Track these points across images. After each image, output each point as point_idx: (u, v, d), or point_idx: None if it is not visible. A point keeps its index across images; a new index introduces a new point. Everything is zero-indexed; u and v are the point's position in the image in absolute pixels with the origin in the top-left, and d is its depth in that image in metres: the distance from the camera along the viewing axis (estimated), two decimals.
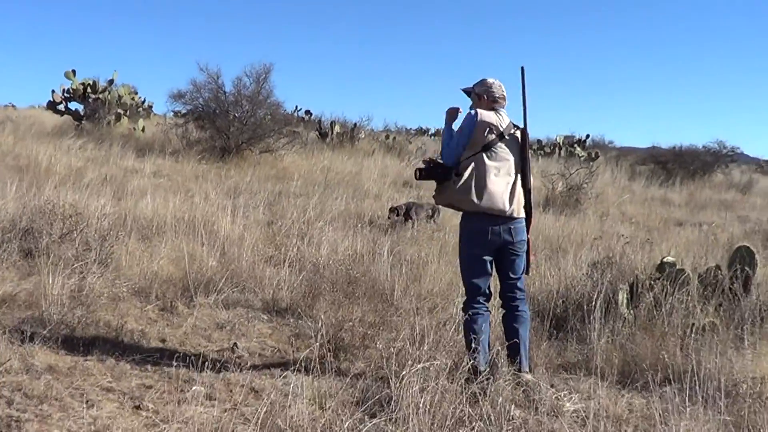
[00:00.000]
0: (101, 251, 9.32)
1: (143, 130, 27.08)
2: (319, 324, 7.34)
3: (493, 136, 6.58)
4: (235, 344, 7.40)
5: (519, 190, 6.67)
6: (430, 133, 61.21)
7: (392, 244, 10.80)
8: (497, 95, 6.84)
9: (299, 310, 8.56)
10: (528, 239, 6.82)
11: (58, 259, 8.54)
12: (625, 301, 8.29)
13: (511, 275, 6.79)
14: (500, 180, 6.56)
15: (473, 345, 6.41)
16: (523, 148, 6.74)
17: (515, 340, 6.63)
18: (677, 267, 8.61)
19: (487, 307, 6.78)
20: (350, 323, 7.44)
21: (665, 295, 8.07)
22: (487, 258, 6.69)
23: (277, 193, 16.95)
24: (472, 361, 6.28)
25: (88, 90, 27.26)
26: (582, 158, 35.55)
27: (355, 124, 32.40)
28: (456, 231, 12.13)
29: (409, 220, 14.34)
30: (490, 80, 6.87)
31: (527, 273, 6.99)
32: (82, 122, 26.43)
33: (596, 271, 9.08)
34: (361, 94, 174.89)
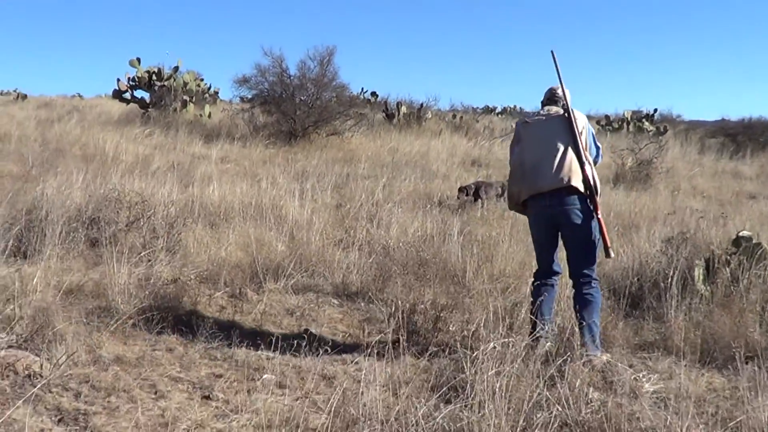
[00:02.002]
0: (168, 239, 9.25)
1: (210, 116, 27.11)
2: (392, 308, 7.19)
3: None
4: (306, 330, 7.25)
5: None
6: (496, 111, 60.78)
7: (462, 224, 10.60)
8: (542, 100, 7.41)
9: (370, 293, 8.38)
10: (599, 220, 6.77)
11: (125, 247, 8.48)
12: (701, 277, 8.02)
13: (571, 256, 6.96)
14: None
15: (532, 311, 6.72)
16: (570, 128, 6.88)
17: (580, 322, 6.68)
18: (753, 241, 8.31)
19: (550, 282, 6.99)
20: (422, 306, 7.29)
21: (742, 271, 7.83)
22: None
23: (345, 175, 16.81)
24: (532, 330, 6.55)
25: (154, 77, 27.31)
26: (651, 133, 34.97)
27: (421, 105, 32.08)
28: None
29: (479, 200, 14.14)
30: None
31: (607, 256, 6.86)
32: (149, 110, 26.49)
33: (671, 247, 8.81)
34: (426, 74, 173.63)
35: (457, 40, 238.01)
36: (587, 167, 6.75)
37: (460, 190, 14.33)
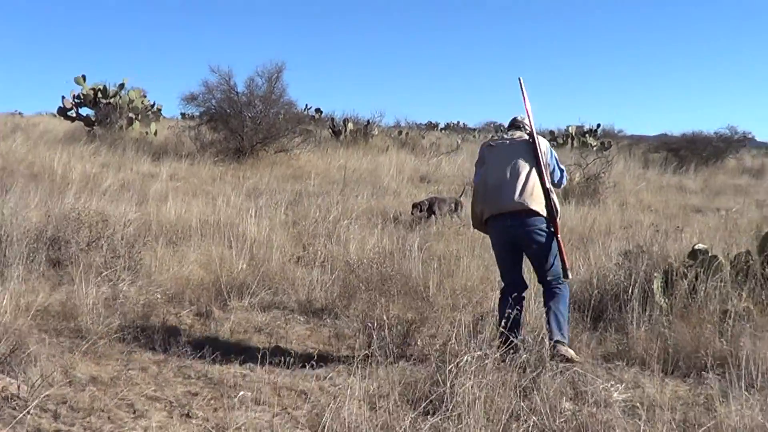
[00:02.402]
0: (129, 258, 9.23)
1: (155, 133, 26.99)
2: (359, 323, 7.29)
3: None
4: (276, 347, 7.27)
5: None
6: (440, 127, 61.24)
7: (420, 240, 10.65)
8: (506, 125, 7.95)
9: (336, 310, 8.49)
10: (559, 241, 7.15)
11: (87, 267, 8.43)
12: (660, 289, 8.18)
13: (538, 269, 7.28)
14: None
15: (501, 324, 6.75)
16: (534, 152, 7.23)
17: (547, 312, 7.05)
18: (710, 254, 8.49)
19: (517, 296, 7.04)
20: (390, 321, 7.35)
21: (699, 282, 8.01)
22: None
23: (296, 192, 16.81)
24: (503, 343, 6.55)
25: (99, 95, 27.08)
26: (595, 148, 35.49)
27: (368, 121, 32.23)
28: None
29: (432, 216, 14.23)
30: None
31: (565, 276, 7.23)
32: (94, 127, 26.24)
33: (628, 260, 8.98)
34: (368, 91, 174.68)
35: (399, 57, 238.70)
36: (549, 191, 7.08)
37: (414, 206, 14.41)
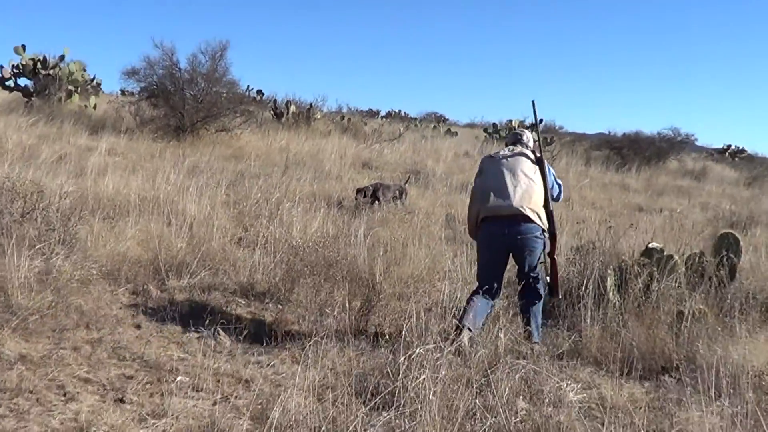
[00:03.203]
0: (65, 231, 8.82)
1: (95, 107, 26.39)
2: (303, 309, 7.05)
3: None
4: (216, 330, 6.95)
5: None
6: (381, 115, 61.07)
7: (365, 226, 10.41)
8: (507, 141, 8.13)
9: (278, 294, 8.20)
10: (554, 261, 7.42)
11: (20, 239, 8.05)
12: (613, 287, 8.03)
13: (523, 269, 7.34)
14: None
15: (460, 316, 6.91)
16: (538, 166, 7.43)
17: (525, 311, 7.24)
18: (665, 253, 8.37)
19: (488, 299, 7.20)
20: (334, 308, 7.14)
21: (653, 281, 7.90)
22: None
23: (237, 173, 16.44)
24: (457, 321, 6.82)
25: (38, 66, 26.40)
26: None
27: (310, 105, 31.81)
28: (424, 213, 11.93)
29: (376, 202, 13.99)
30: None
31: (555, 296, 7.56)
32: (32, 98, 25.58)
33: (579, 255, 8.83)
34: (310, 75, 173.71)
35: (342, 42, 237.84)
36: (551, 212, 7.30)
37: (358, 191, 14.15)
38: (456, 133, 43.10)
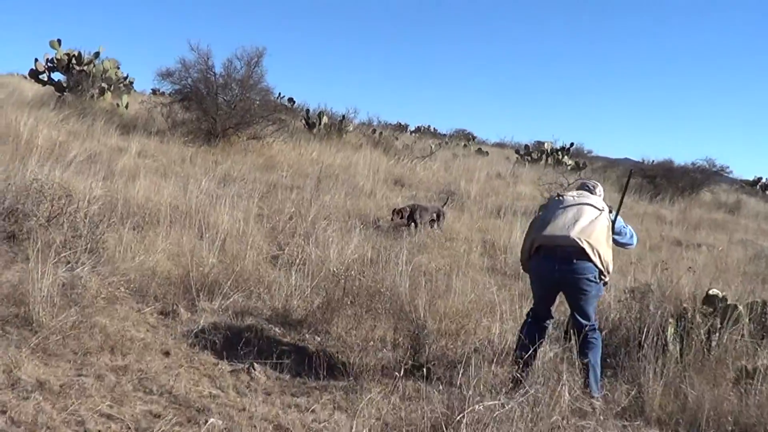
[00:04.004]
0: (92, 239, 8.34)
1: (127, 106, 25.98)
2: (340, 343, 6.60)
3: None
4: (252, 365, 6.41)
5: None
6: (409, 129, 60.67)
7: (405, 252, 9.91)
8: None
9: (316, 324, 7.64)
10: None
11: (45, 245, 7.56)
12: (674, 337, 7.45)
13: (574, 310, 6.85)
14: None
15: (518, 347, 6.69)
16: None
17: (584, 364, 6.62)
18: (727, 302, 7.80)
19: (543, 324, 6.93)
20: (374, 343, 6.65)
21: (714, 332, 7.41)
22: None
23: (268, 183, 16.00)
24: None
25: (73, 61, 26.00)
26: (569, 167, 34.98)
27: (343, 116, 31.35)
28: (470, 242, 11.40)
29: (413, 224, 13.47)
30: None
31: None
32: (65, 94, 25.15)
33: (634, 299, 8.27)
34: (340, 85, 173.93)
35: (374, 55, 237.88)
36: (610, 246, 6.77)
37: (395, 212, 13.63)
38: (487, 153, 42.58)
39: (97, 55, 26.88)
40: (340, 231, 11.08)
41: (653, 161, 36.08)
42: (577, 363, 6.63)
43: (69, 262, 7.67)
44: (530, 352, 6.46)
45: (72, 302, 6.64)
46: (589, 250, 6.49)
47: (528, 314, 7.01)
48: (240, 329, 7.29)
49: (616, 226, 6.99)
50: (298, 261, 9.37)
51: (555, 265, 6.58)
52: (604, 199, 7.15)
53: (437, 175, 24.04)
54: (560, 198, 7.09)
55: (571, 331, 6.81)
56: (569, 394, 5.87)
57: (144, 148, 18.49)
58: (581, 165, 36.56)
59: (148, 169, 15.04)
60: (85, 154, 14.84)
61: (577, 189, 7.39)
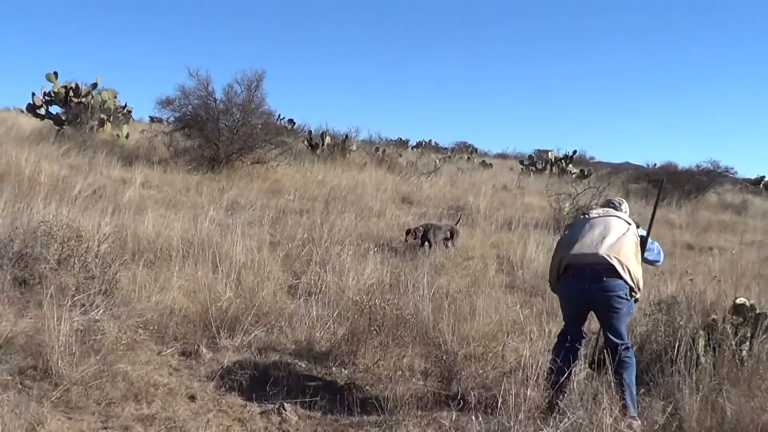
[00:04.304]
0: (105, 280, 8.10)
1: (127, 136, 25.79)
2: (370, 376, 6.37)
3: None
4: (282, 405, 6.15)
5: None
6: (411, 145, 60.54)
7: (420, 272, 9.71)
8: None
9: (341, 356, 7.40)
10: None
11: (57, 289, 7.34)
12: (706, 350, 7.22)
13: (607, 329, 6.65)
14: None
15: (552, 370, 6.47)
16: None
17: (620, 385, 6.38)
18: (756, 310, 7.57)
19: (575, 344, 6.69)
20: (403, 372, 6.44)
21: (743, 342, 7.25)
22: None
23: (277, 208, 15.76)
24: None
25: (71, 93, 25.83)
26: (574, 175, 34.88)
27: (346, 136, 31.20)
28: (486, 259, 11.18)
29: (427, 243, 13.26)
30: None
31: None
32: (64, 127, 24.97)
33: (661, 311, 8.05)
34: (337, 104, 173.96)
35: (368, 71, 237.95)
36: (639, 263, 6.59)
37: (408, 232, 13.40)
38: (491, 165, 42.42)
39: (94, 86, 26.70)
40: (354, 255, 10.86)
41: (655, 165, 36.09)
42: (612, 383, 6.38)
43: (83, 306, 7.45)
44: (565, 375, 6.28)
45: (91, 350, 6.40)
46: (618, 267, 6.31)
47: (559, 336, 6.83)
48: (265, 366, 7.06)
49: (646, 242, 6.82)
50: (316, 290, 9.16)
51: (585, 285, 6.40)
52: (630, 215, 6.97)
53: (444, 190, 23.90)
54: (586, 216, 6.92)
55: (605, 351, 6.57)
56: (610, 416, 5.66)
57: (148, 179, 18.31)
58: (586, 173, 36.46)
59: (154, 200, 14.87)
60: (90, 189, 14.63)
61: (602, 206, 7.23)
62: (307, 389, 6.64)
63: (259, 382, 6.68)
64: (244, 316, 7.89)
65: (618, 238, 6.49)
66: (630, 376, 6.48)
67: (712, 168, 35.80)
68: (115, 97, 28.45)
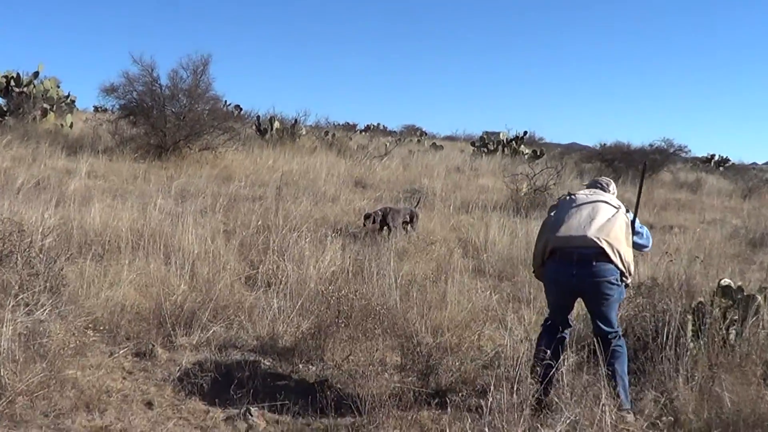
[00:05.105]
0: (50, 277, 7.56)
1: (71, 126, 25.15)
2: (338, 372, 6.24)
3: None
4: (248, 409, 5.66)
5: None
6: (358, 128, 60.21)
7: (392, 262, 9.30)
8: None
9: (308, 351, 6.93)
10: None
11: None
12: (690, 333, 6.86)
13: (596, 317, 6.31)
14: None
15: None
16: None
17: (612, 376, 6.02)
18: (743, 292, 7.23)
19: (562, 334, 6.36)
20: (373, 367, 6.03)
21: (736, 326, 6.93)
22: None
23: (227, 196, 15.22)
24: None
25: (12, 83, 25.13)
26: (527, 156, 34.73)
27: (295, 120, 30.71)
28: (449, 243, 10.77)
29: (386, 228, 12.83)
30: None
31: None
32: (5, 118, 24.30)
33: (642, 295, 7.66)
34: (283, 89, 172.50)
35: (313, 53, 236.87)
36: (630, 245, 6.24)
37: (366, 217, 12.97)
38: (441, 147, 42.18)
39: (36, 74, 26.04)
40: (312, 242, 10.41)
41: (605, 144, 36.09)
42: (602, 374, 5.93)
43: (27, 305, 6.89)
44: (554, 368, 5.96)
45: (36, 355, 5.85)
46: (609, 250, 5.94)
47: (544, 325, 6.46)
48: (227, 366, 6.57)
49: (635, 225, 6.44)
50: (275, 280, 8.71)
51: (573, 270, 6.01)
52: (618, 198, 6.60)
53: (397, 173, 23.57)
54: (572, 197, 6.51)
55: (595, 339, 6.22)
56: (611, 414, 5.27)
57: (93, 169, 17.78)
58: (539, 153, 36.28)
59: (100, 190, 14.33)
60: (33, 180, 14.06)
61: (589, 187, 6.84)
62: (275, 390, 6.16)
63: (222, 384, 6.18)
64: (200, 311, 7.41)
65: (607, 219, 6.13)
66: (622, 366, 6.15)
67: (665, 146, 35.77)
68: (58, 86, 27.80)
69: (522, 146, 37.62)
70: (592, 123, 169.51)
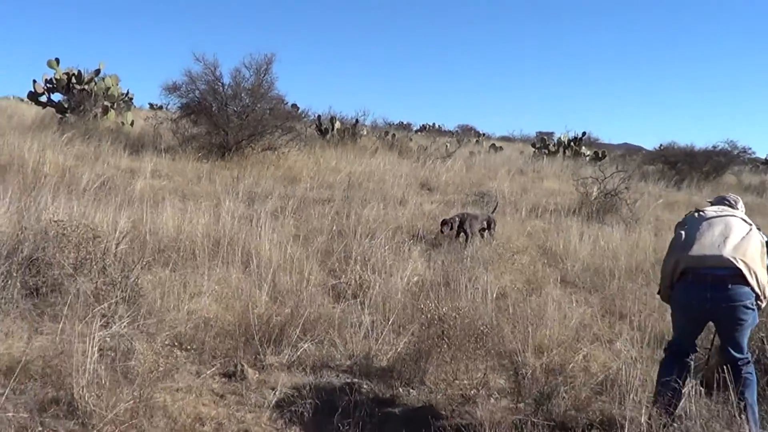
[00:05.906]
0: (127, 286, 7.09)
1: (132, 124, 24.89)
2: (444, 397, 5.77)
3: None
4: None
5: None
6: (414, 129, 59.90)
7: (469, 269, 8.80)
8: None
9: (407, 374, 6.40)
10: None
11: (74, 298, 6.35)
12: None
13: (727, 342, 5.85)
14: None
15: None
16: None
17: (742, 404, 5.55)
18: None
19: (687, 359, 5.93)
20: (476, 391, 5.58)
21: None
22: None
23: (295, 198, 14.74)
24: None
25: (73, 80, 24.77)
26: (588, 158, 34.13)
27: (356, 121, 30.27)
28: (529, 251, 10.23)
29: (463, 234, 12.34)
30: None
31: None
32: (66, 115, 24.00)
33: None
34: (337, 89, 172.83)
35: (369, 55, 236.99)
36: (764, 266, 5.72)
37: (444, 223, 12.46)
38: (501, 148, 41.60)
39: (97, 72, 25.65)
40: (390, 249, 9.92)
41: (661, 146, 35.39)
42: (732, 403, 5.49)
43: (105, 316, 6.44)
44: (683, 397, 5.61)
45: (122, 376, 5.37)
46: (746, 271, 5.47)
47: (669, 349, 6.00)
48: (324, 391, 6.06)
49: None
50: (360, 292, 8.23)
51: (707, 293, 5.57)
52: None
53: (460, 175, 22.99)
54: (701, 213, 6.10)
55: (720, 367, 5.71)
56: None
57: (157, 168, 17.36)
58: (600, 155, 35.63)
59: (166, 191, 13.94)
60: (98, 181, 13.61)
61: (716, 204, 6.38)
62: (381, 420, 5.66)
63: (322, 411, 5.66)
64: (289, 326, 6.91)
65: (742, 237, 5.70)
66: (752, 395, 5.69)
67: (729, 148, 34.94)
68: (118, 84, 27.47)
69: (583, 147, 36.99)
70: (643, 123, 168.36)
